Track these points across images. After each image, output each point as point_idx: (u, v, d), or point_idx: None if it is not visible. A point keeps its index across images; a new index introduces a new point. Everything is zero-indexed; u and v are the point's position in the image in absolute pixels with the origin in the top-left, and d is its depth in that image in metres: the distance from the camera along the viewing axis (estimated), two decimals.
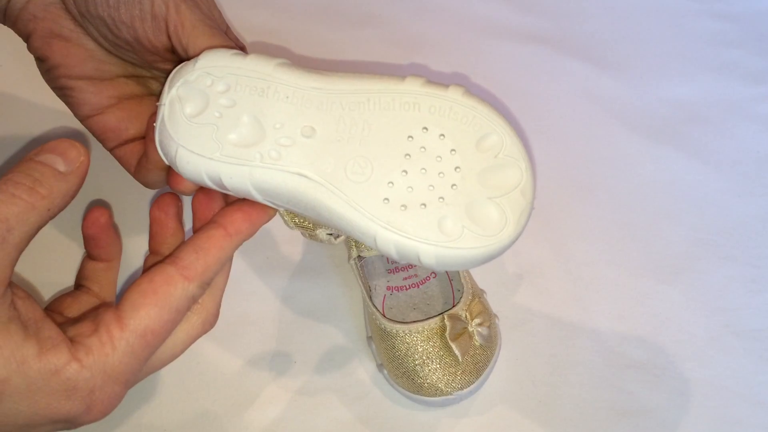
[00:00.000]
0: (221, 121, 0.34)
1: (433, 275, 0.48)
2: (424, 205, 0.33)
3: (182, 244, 0.35)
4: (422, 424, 0.43)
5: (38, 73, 0.42)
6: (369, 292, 0.46)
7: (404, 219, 0.33)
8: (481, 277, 0.49)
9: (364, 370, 0.45)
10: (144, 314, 0.31)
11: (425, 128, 0.33)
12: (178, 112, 0.35)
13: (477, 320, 0.43)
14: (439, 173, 0.33)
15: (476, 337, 0.43)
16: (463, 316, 0.43)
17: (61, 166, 0.31)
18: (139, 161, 0.41)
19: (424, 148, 0.33)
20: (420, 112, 0.33)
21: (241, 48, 0.44)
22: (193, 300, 0.34)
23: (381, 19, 0.72)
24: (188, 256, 0.33)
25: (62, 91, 0.42)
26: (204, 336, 0.46)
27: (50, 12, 0.40)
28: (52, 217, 0.31)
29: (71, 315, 0.36)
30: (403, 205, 0.33)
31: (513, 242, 0.33)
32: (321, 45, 0.68)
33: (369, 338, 0.46)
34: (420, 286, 0.47)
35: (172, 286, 0.32)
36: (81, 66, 0.41)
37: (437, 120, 0.33)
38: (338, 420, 0.43)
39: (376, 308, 0.44)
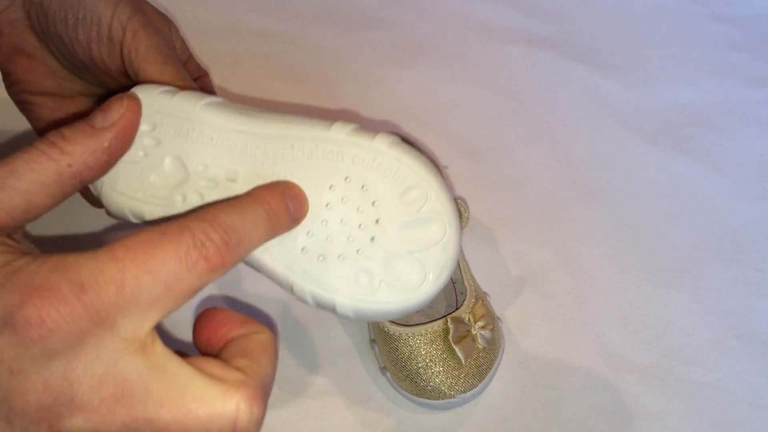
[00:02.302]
0: (146, 161, 0.34)
1: None
2: (342, 256, 0.32)
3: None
4: (425, 427, 0.43)
5: None
6: None
7: (321, 270, 0.32)
8: (484, 279, 0.49)
9: (367, 373, 0.45)
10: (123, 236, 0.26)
11: (347, 178, 0.32)
12: None
13: (480, 323, 0.43)
14: (359, 225, 0.32)
15: (479, 340, 0.43)
16: (467, 318, 0.43)
17: (99, 122, 0.30)
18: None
19: (344, 198, 0.32)
20: (343, 162, 0.32)
21: (201, 77, 0.45)
22: (186, 228, 0.27)
23: (384, 23, 0.72)
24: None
25: (22, 105, 0.43)
26: None
27: (15, 28, 0.40)
28: (80, 179, 0.29)
29: None
30: (320, 256, 0.32)
31: (432, 297, 0.32)
32: (323, 48, 0.68)
33: (372, 341, 0.46)
34: None
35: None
36: (42, 82, 0.41)
37: (360, 171, 0.32)
38: (341, 423, 0.43)
39: None
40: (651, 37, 0.74)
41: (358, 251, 0.32)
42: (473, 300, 0.44)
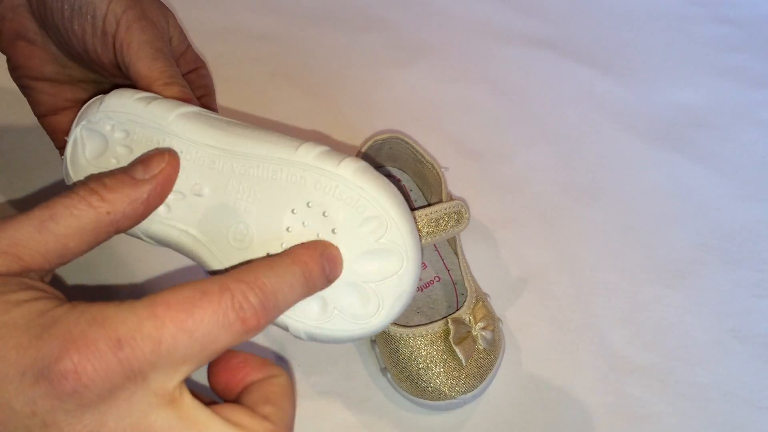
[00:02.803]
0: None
1: (437, 279, 0.48)
2: None
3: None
4: (426, 427, 0.43)
5: None
6: None
7: None
8: (485, 280, 0.49)
9: (367, 374, 0.45)
10: (162, 291, 0.26)
11: (309, 203, 0.32)
12: (79, 152, 0.35)
13: (481, 324, 0.43)
14: None
15: (480, 341, 0.43)
16: (467, 319, 0.43)
17: (139, 174, 0.31)
18: None
19: (305, 224, 0.32)
20: (305, 187, 0.32)
21: (197, 68, 0.46)
22: (227, 288, 0.27)
23: (385, 23, 0.72)
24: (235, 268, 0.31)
25: (24, 89, 0.44)
26: None
27: (17, 14, 0.41)
28: (116, 228, 0.30)
29: None
30: None
31: (384, 327, 0.32)
32: (326, 49, 0.68)
33: (373, 342, 0.46)
34: (424, 290, 0.47)
35: (207, 279, 0.29)
36: (41, 68, 0.43)
37: (321, 197, 0.32)
38: (342, 424, 0.43)
39: None
40: (651, 39, 0.74)
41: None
42: (474, 301, 0.44)
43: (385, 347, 0.44)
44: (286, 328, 0.32)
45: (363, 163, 0.32)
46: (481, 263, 0.51)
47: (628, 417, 0.44)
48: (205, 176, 0.33)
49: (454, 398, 0.41)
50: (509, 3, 0.76)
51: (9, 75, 0.44)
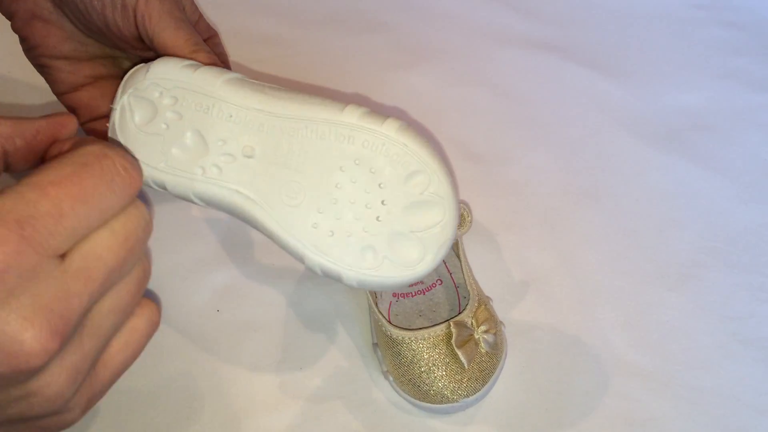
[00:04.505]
0: (167, 133, 0.36)
1: (439, 282, 0.48)
2: (350, 234, 0.35)
3: None
4: (428, 431, 0.43)
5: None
6: (375, 298, 0.46)
7: (330, 245, 0.35)
8: (487, 284, 0.49)
9: (369, 377, 0.45)
10: (36, 171, 0.27)
11: (357, 161, 0.34)
12: (128, 119, 0.37)
13: (483, 327, 0.43)
14: (366, 205, 0.35)
15: (482, 344, 0.43)
16: (469, 323, 0.43)
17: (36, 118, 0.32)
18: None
19: (354, 180, 0.35)
20: (353, 146, 0.34)
21: (211, 37, 0.47)
22: (104, 155, 0.28)
23: (389, 26, 0.72)
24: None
25: (41, 69, 0.44)
26: (209, 343, 0.46)
27: None
28: (4, 149, 0.30)
29: None
30: (330, 232, 0.35)
31: (428, 273, 0.35)
32: (328, 51, 0.68)
33: (375, 345, 0.46)
34: (426, 293, 0.47)
35: (75, 150, 0.29)
36: (59, 46, 0.43)
37: (369, 154, 0.34)
38: (344, 427, 0.43)
39: (382, 315, 0.44)
40: (654, 42, 0.74)
41: (364, 229, 0.35)
42: (476, 304, 0.44)
43: (387, 350, 0.44)
44: (339, 278, 0.35)
45: (404, 122, 0.34)
46: (483, 266, 0.51)
47: (631, 420, 0.44)
48: (254, 139, 0.35)
49: (456, 401, 0.41)
50: (512, 6, 0.76)
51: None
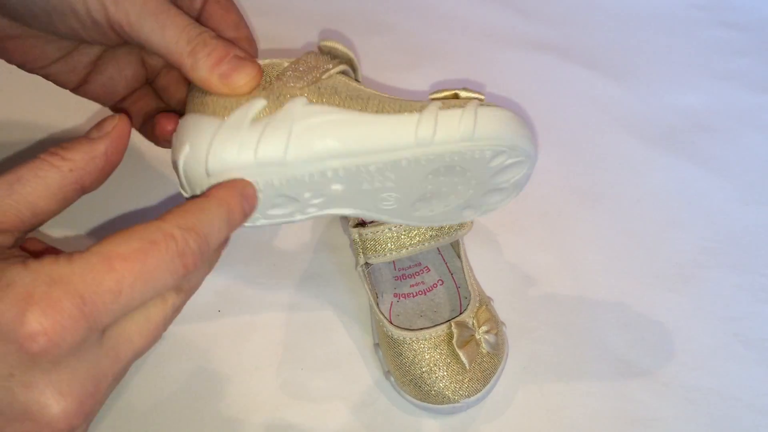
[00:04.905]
0: (263, 199, 0.35)
1: (440, 282, 0.48)
2: (446, 209, 0.39)
3: None
4: (429, 431, 0.43)
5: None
6: (376, 299, 0.46)
7: (432, 220, 0.39)
8: (488, 284, 0.49)
9: (371, 378, 0.45)
10: (108, 241, 0.27)
11: (438, 171, 0.35)
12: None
13: (484, 328, 0.43)
14: (458, 187, 0.37)
15: (483, 345, 0.43)
16: (471, 323, 0.43)
17: (94, 134, 0.32)
18: (145, 124, 0.42)
19: (441, 181, 0.36)
20: (433, 162, 0.35)
21: (239, 33, 0.39)
22: (171, 237, 0.29)
23: (390, 28, 0.72)
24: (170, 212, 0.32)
25: (46, 78, 0.41)
26: (210, 342, 0.46)
27: None
28: (81, 185, 0.30)
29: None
30: (430, 211, 0.39)
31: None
32: None
33: (376, 345, 0.46)
34: (427, 294, 0.47)
35: (147, 224, 0.29)
36: (44, 55, 0.39)
37: (448, 162, 0.35)
38: (345, 427, 0.43)
39: (383, 315, 0.44)
40: (655, 43, 0.74)
41: (458, 201, 0.38)
42: (477, 305, 0.44)
43: (389, 351, 0.44)
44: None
45: (469, 118, 0.34)
46: (484, 267, 0.51)
47: (632, 421, 0.44)
48: (339, 187, 0.35)
49: (458, 402, 0.41)
50: (513, 7, 0.76)
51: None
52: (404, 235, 0.44)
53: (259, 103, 0.34)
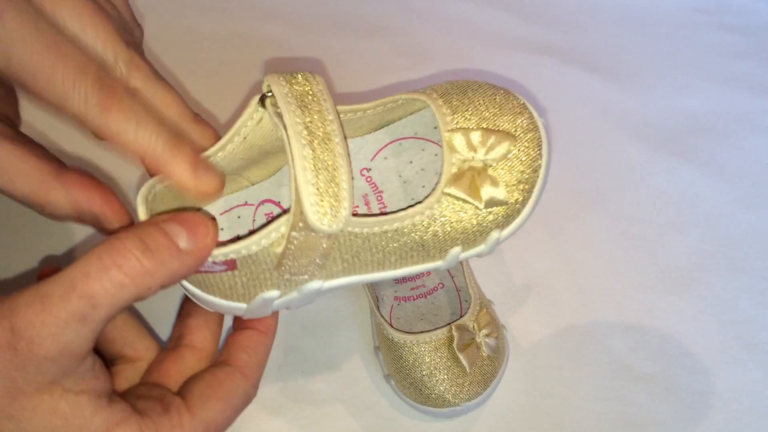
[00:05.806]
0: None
1: (440, 285, 0.48)
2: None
3: (229, 345, 0.35)
4: None
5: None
6: (376, 301, 0.46)
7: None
8: (489, 288, 0.49)
9: (371, 381, 0.45)
10: (211, 407, 0.31)
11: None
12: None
13: (485, 331, 0.43)
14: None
15: (484, 348, 0.43)
16: (471, 326, 0.43)
17: (183, 242, 0.27)
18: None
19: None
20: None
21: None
22: (249, 399, 0.34)
23: (389, 30, 0.72)
24: (242, 355, 0.34)
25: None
26: None
27: None
28: (152, 295, 0.27)
29: (167, 381, 0.33)
30: None
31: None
32: (330, 55, 0.69)
33: (376, 348, 0.46)
34: (427, 297, 0.47)
35: (234, 383, 0.33)
36: None
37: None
38: (345, 430, 0.43)
39: (384, 318, 0.44)
40: (655, 46, 0.74)
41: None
42: (477, 308, 0.44)
43: (389, 354, 0.44)
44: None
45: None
46: (484, 270, 0.50)
47: (633, 425, 0.44)
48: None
49: (458, 405, 0.41)
50: (514, 10, 0.76)
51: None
52: None
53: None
